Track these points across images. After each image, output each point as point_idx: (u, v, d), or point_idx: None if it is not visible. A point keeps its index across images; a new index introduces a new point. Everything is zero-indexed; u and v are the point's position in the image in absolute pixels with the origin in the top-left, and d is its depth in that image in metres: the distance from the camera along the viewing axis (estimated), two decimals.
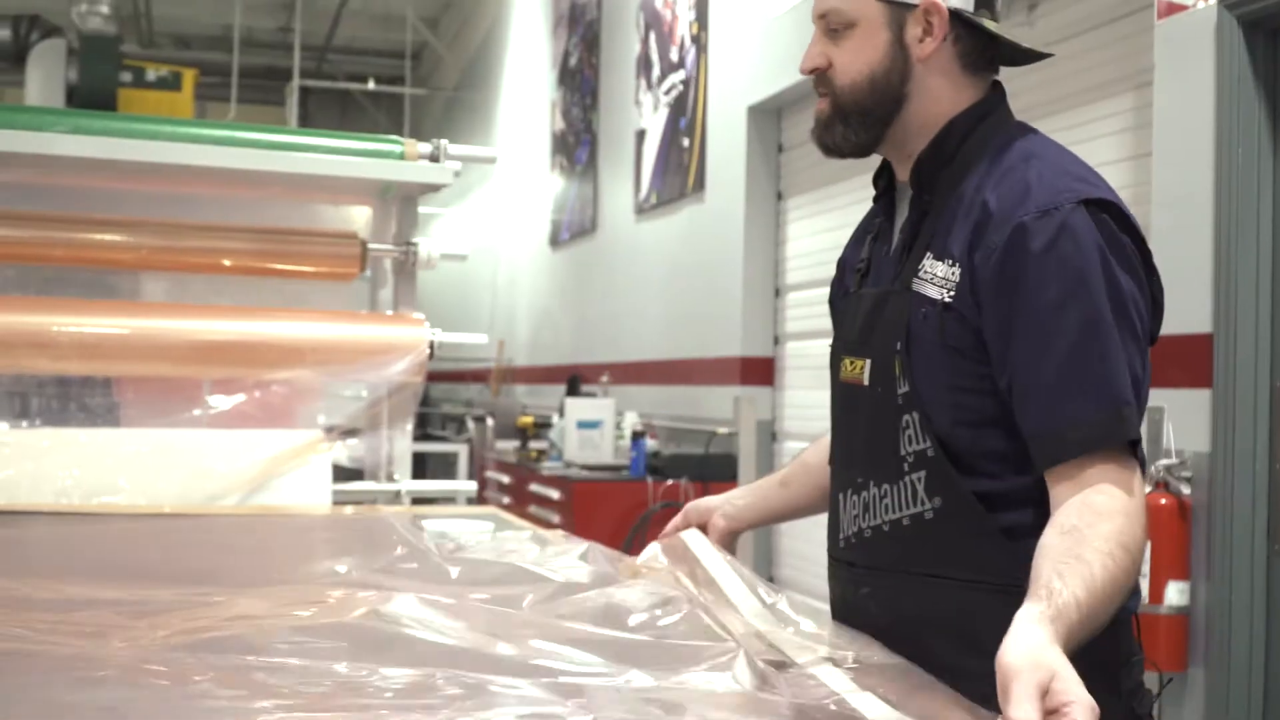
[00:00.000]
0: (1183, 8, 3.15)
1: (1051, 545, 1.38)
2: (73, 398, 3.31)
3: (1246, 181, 3.00)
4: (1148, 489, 3.08)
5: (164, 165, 3.10)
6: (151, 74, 10.96)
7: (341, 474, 3.47)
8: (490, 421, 8.00)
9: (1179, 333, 3.13)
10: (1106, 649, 1.49)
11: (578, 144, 8.43)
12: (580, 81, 8.40)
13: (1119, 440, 1.46)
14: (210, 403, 3.36)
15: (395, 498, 3.38)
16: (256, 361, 3.25)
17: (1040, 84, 3.92)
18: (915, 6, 1.59)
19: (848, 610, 1.70)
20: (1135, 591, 1.61)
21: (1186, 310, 3.11)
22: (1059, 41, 3.85)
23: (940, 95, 1.63)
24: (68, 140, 3.03)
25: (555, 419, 6.81)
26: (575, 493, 5.71)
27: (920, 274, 1.59)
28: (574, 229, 8.50)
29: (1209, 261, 3.05)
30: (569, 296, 8.72)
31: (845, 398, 1.72)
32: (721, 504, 1.95)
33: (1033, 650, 1.21)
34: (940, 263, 1.57)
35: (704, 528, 1.93)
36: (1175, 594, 3.04)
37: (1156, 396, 3.19)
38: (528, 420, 7.06)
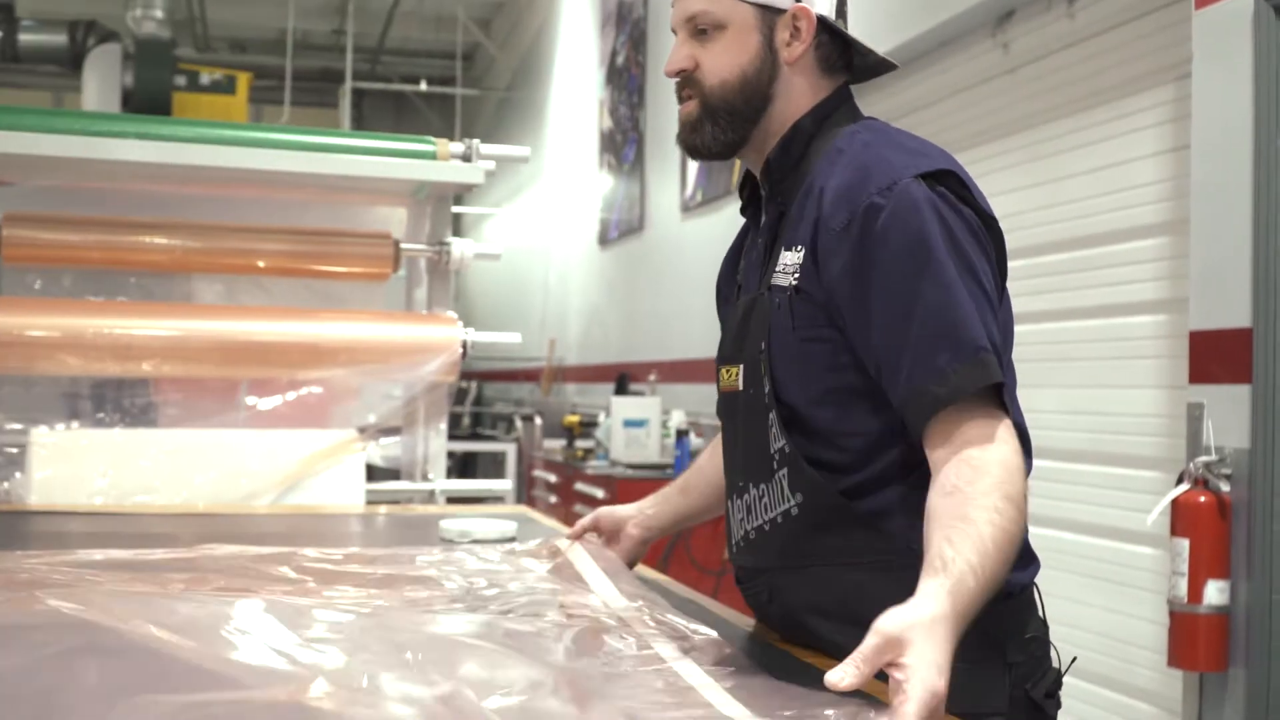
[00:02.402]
0: None
1: (937, 509, 1.39)
2: (109, 399, 3.34)
3: None
4: (1186, 486, 3.04)
5: (206, 169, 3.14)
6: (206, 78, 11.05)
7: (378, 474, 3.49)
8: (539, 420, 8.02)
9: (1218, 327, 3.08)
10: (993, 620, 1.49)
11: (625, 142, 8.42)
12: (627, 80, 8.40)
13: (981, 384, 1.46)
14: (246, 403, 3.39)
15: (430, 497, 3.39)
16: (289, 362, 3.27)
17: (1081, 77, 3.88)
18: (784, 11, 1.63)
19: (756, 609, 1.75)
20: (1032, 562, 1.64)
21: (1226, 304, 3.06)
22: (1099, 34, 3.80)
23: (800, 96, 1.67)
24: (121, 145, 3.07)
25: (602, 418, 6.81)
26: (619, 492, 5.70)
27: (778, 270, 1.63)
28: (622, 227, 8.50)
29: (1248, 254, 2.99)
30: (618, 295, 8.72)
31: (726, 406, 1.75)
32: (635, 514, 2.02)
33: (903, 621, 1.22)
34: (789, 252, 1.61)
35: (616, 534, 2.01)
36: (1215, 593, 2.99)
37: (1196, 392, 3.14)
38: (574, 419, 7.06)
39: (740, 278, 1.80)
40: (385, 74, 14.45)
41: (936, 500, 1.40)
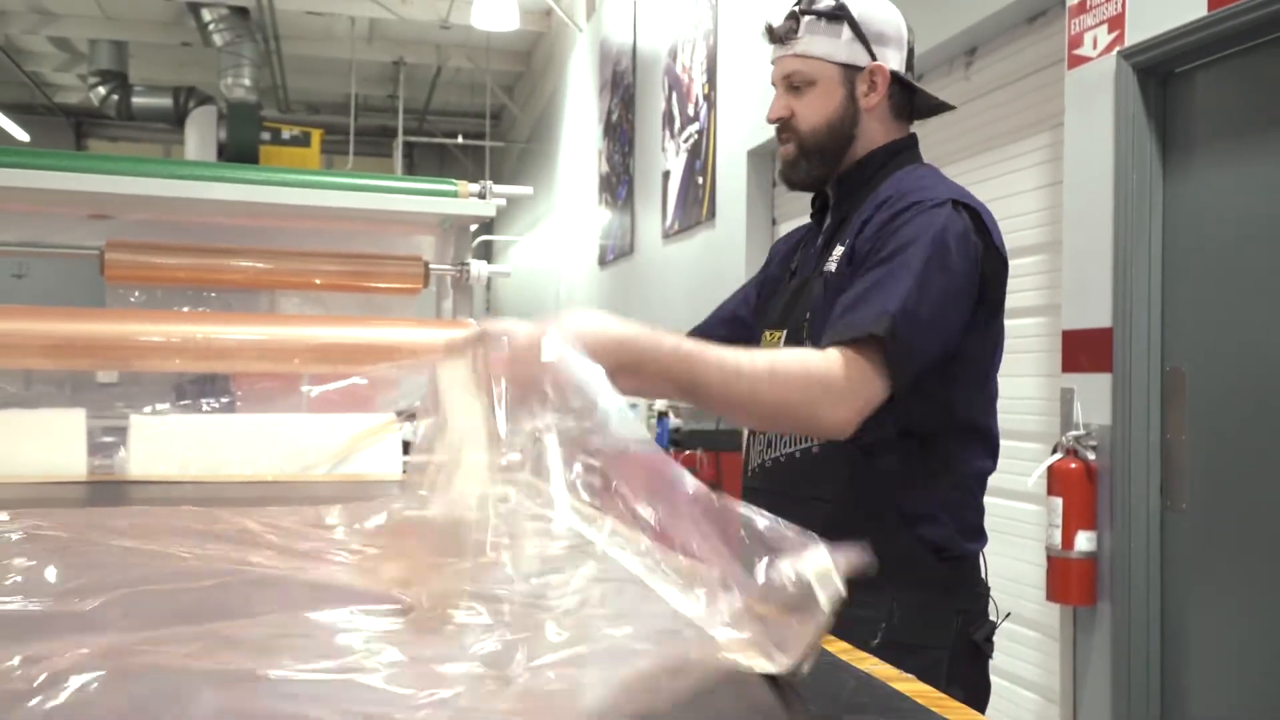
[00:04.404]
0: (1087, 59, 3.05)
1: (758, 352, 1.38)
2: (197, 390, 3.30)
3: (1140, 203, 2.90)
4: (1060, 455, 3.00)
5: (285, 206, 3.11)
6: (286, 134, 11.02)
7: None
8: None
9: (1085, 327, 3.04)
10: (947, 576, 1.50)
11: (618, 183, 8.37)
12: (620, 134, 8.34)
13: (864, 331, 1.37)
14: (306, 393, 3.35)
15: None
16: (342, 359, 3.23)
17: (979, 125, 3.83)
18: (863, 68, 1.60)
19: None
20: (981, 536, 1.60)
21: (1091, 308, 3.02)
22: (991, 91, 3.75)
23: (875, 137, 1.64)
24: (219, 188, 3.05)
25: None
26: None
27: (829, 260, 1.60)
28: (616, 251, 8.45)
29: (1109, 268, 2.95)
30: (614, 304, 8.67)
31: None
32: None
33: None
34: (840, 246, 1.58)
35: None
36: (1084, 541, 2.95)
37: (1068, 379, 3.10)
38: None
39: (795, 265, 1.76)
40: (430, 130, 14.40)
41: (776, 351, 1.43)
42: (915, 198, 1.50)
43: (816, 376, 1.35)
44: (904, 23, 1.64)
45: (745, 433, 1.74)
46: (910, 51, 1.65)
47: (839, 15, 1.59)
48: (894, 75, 1.61)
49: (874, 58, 1.60)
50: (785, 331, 1.64)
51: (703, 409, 1.36)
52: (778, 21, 1.64)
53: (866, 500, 1.50)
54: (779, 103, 1.64)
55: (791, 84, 1.63)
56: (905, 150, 1.66)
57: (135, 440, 2.99)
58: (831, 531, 1.47)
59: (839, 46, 1.59)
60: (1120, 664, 2.90)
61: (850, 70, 1.60)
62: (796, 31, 1.61)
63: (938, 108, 1.69)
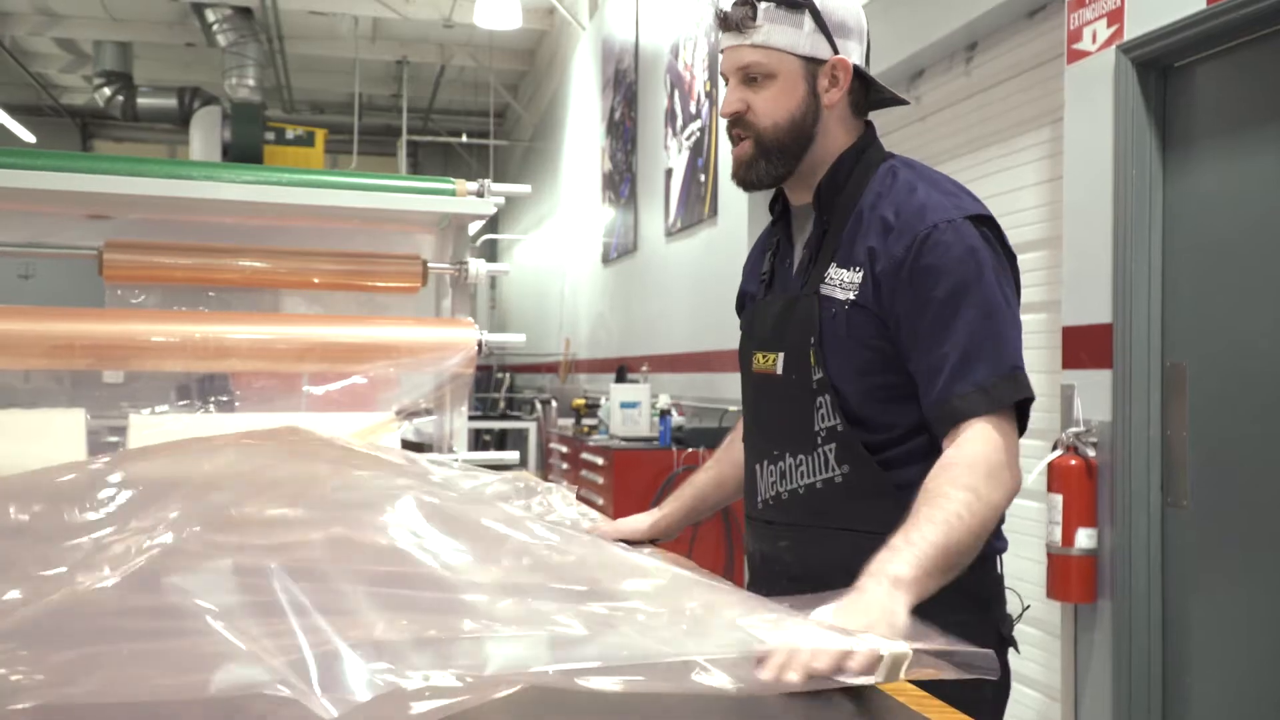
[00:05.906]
0: (1087, 54, 3.03)
1: (923, 493, 1.34)
2: (196, 390, 3.30)
3: (1140, 197, 2.88)
4: (1060, 452, 2.98)
5: (288, 205, 3.10)
6: (290, 133, 11.02)
7: (412, 448, 3.44)
8: (554, 403, 7.96)
9: (1085, 322, 3.02)
10: (979, 582, 1.48)
11: (621, 181, 8.35)
12: (623, 131, 8.33)
13: (1016, 398, 1.41)
14: (306, 391, 3.34)
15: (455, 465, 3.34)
16: (341, 358, 3.22)
17: (979, 120, 3.82)
18: (825, 62, 1.53)
19: (765, 562, 1.63)
20: (999, 534, 1.58)
21: (1091, 303, 3.00)
22: (991, 87, 3.74)
23: (836, 134, 1.57)
24: (224, 187, 3.03)
25: (603, 400, 6.75)
26: (616, 460, 5.64)
27: (826, 280, 1.52)
28: (620, 249, 8.43)
29: (1109, 263, 2.93)
30: (617, 302, 8.66)
31: (758, 386, 1.64)
32: (655, 522, 1.82)
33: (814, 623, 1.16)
34: (845, 270, 1.51)
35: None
36: (1085, 538, 2.93)
37: (1068, 375, 3.08)
38: (580, 402, 7.01)
39: (765, 277, 1.69)
40: (435, 129, 14.39)
41: (927, 487, 1.35)
42: (929, 220, 1.45)
43: (998, 466, 1.36)
44: (863, 12, 1.57)
45: (748, 465, 1.66)
46: (868, 44, 1.58)
47: (800, 3, 1.51)
48: (855, 69, 1.54)
49: (836, 50, 1.52)
50: (783, 354, 1.56)
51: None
52: (730, 6, 1.55)
53: (897, 524, 1.42)
54: (734, 96, 1.55)
55: (748, 76, 1.53)
56: (870, 146, 1.59)
57: (135, 440, 2.98)
58: (864, 563, 1.41)
59: (801, 38, 1.51)
60: (1121, 661, 2.88)
61: (813, 63, 1.52)
62: (754, 19, 1.51)
63: (891, 100, 1.62)
